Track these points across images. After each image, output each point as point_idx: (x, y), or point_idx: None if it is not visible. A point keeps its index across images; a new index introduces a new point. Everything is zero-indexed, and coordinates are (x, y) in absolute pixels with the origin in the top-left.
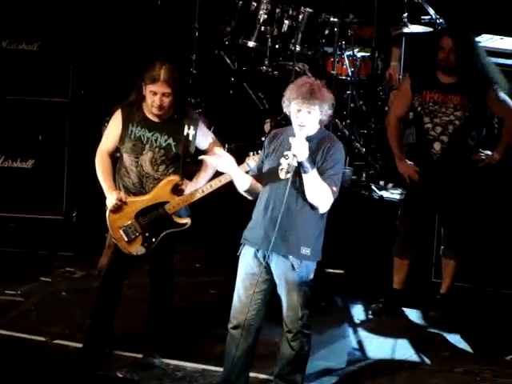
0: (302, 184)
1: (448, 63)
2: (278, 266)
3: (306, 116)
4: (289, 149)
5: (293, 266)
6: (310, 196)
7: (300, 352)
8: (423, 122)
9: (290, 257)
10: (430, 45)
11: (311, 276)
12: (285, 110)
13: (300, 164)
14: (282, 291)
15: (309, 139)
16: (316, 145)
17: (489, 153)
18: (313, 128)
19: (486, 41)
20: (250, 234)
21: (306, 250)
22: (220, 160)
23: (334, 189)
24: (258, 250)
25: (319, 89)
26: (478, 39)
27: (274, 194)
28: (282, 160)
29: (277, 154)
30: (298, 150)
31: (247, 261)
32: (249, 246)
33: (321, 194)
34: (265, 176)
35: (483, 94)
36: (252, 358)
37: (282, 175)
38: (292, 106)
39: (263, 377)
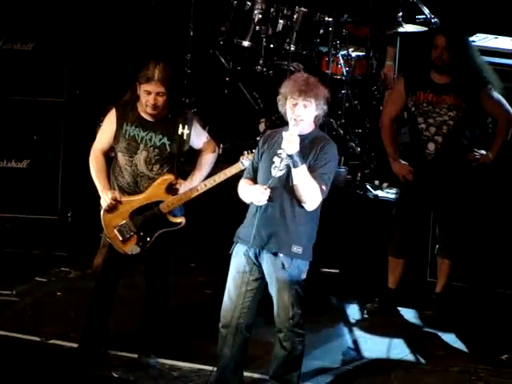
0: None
1: (441, 62)
2: (268, 264)
3: (302, 110)
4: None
5: (283, 264)
6: (299, 192)
7: (293, 352)
8: (417, 122)
9: (281, 255)
10: (424, 44)
11: (303, 276)
12: (280, 108)
13: (290, 157)
14: (272, 290)
15: (303, 138)
16: (309, 143)
17: (483, 152)
18: (308, 124)
19: (481, 40)
20: (242, 232)
21: (297, 249)
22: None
23: (324, 188)
24: (249, 248)
25: (314, 83)
26: (472, 38)
27: None
28: (275, 158)
29: (270, 153)
30: (289, 142)
31: (238, 259)
32: (240, 244)
33: (309, 190)
34: (259, 175)
35: (477, 94)
36: (244, 356)
37: (275, 173)
38: (288, 100)
39: (258, 376)
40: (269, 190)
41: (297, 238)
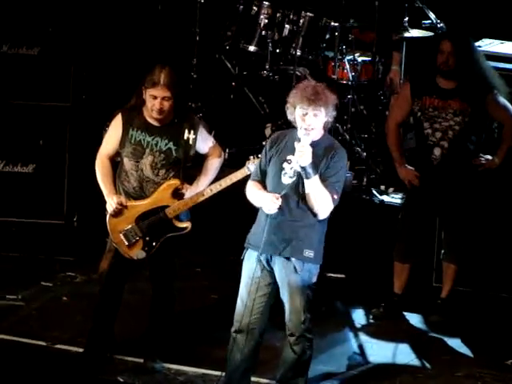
0: (304, 188)
1: (447, 67)
2: (280, 269)
3: (313, 119)
4: (292, 153)
5: (295, 268)
6: (311, 202)
7: (302, 356)
8: (423, 127)
9: (293, 259)
10: (430, 49)
11: (314, 279)
12: (289, 116)
13: (303, 169)
14: (284, 295)
15: (313, 145)
16: (320, 151)
17: (489, 157)
18: (318, 131)
19: (487, 45)
20: (253, 239)
21: (309, 253)
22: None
23: (335, 196)
24: (261, 254)
25: (323, 91)
26: (478, 43)
27: None
28: (285, 165)
29: (280, 157)
30: (302, 155)
31: (250, 265)
32: (252, 250)
33: (321, 200)
34: (268, 180)
35: (483, 99)
36: (255, 362)
37: (285, 180)
38: (297, 110)
39: (265, 381)
40: (280, 200)
41: (308, 242)
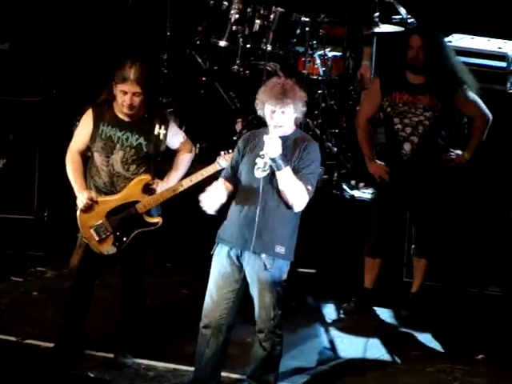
0: (277, 182)
1: (417, 62)
2: (250, 265)
3: (281, 116)
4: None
5: (265, 265)
6: (284, 194)
7: (272, 352)
8: (393, 122)
9: (263, 256)
10: (400, 45)
11: (284, 276)
12: (259, 112)
13: (273, 161)
14: (254, 291)
15: (284, 139)
16: (292, 144)
17: (459, 152)
18: (289, 127)
19: (457, 40)
20: (225, 233)
21: (280, 249)
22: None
23: (309, 188)
24: (231, 249)
25: (291, 88)
26: (448, 39)
27: (249, 193)
28: (258, 160)
29: (253, 154)
30: (271, 146)
31: (220, 260)
32: (223, 245)
33: (295, 192)
34: (241, 176)
35: (452, 94)
36: (224, 357)
37: (258, 174)
38: (266, 107)
39: (235, 376)
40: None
41: (280, 238)
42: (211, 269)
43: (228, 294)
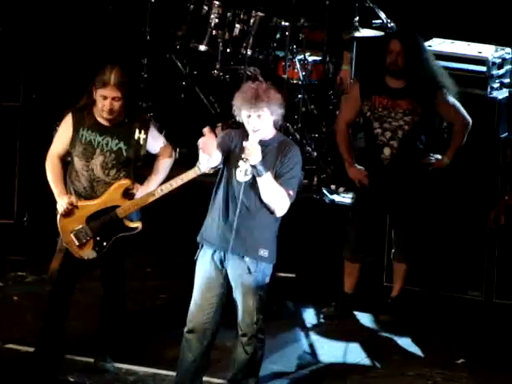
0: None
1: (396, 67)
2: (234, 269)
3: (257, 120)
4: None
5: (249, 269)
6: (266, 199)
7: (254, 356)
8: (372, 127)
9: (247, 259)
10: (380, 49)
11: (267, 280)
12: (237, 118)
13: (253, 167)
14: (237, 295)
15: (266, 144)
16: (273, 149)
17: (438, 157)
18: (267, 131)
19: (437, 45)
20: (208, 235)
21: (264, 252)
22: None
23: (291, 192)
24: (214, 252)
25: (265, 91)
26: (428, 43)
27: (231, 196)
28: (241, 163)
29: (237, 155)
30: (251, 153)
31: (204, 264)
32: (207, 248)
33: (276, 197)
34: (224, 170)
35: (432, 99)
36: (207, 362)
37: (241, 177)
38: (242, 112)
39: (216, 381)
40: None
41: (263, 241)
42: (195, 273)
43: (212, 299)
